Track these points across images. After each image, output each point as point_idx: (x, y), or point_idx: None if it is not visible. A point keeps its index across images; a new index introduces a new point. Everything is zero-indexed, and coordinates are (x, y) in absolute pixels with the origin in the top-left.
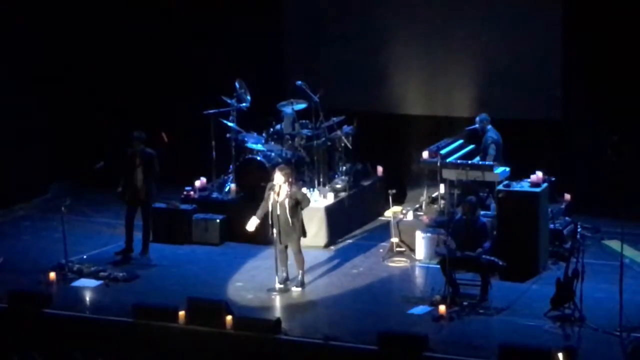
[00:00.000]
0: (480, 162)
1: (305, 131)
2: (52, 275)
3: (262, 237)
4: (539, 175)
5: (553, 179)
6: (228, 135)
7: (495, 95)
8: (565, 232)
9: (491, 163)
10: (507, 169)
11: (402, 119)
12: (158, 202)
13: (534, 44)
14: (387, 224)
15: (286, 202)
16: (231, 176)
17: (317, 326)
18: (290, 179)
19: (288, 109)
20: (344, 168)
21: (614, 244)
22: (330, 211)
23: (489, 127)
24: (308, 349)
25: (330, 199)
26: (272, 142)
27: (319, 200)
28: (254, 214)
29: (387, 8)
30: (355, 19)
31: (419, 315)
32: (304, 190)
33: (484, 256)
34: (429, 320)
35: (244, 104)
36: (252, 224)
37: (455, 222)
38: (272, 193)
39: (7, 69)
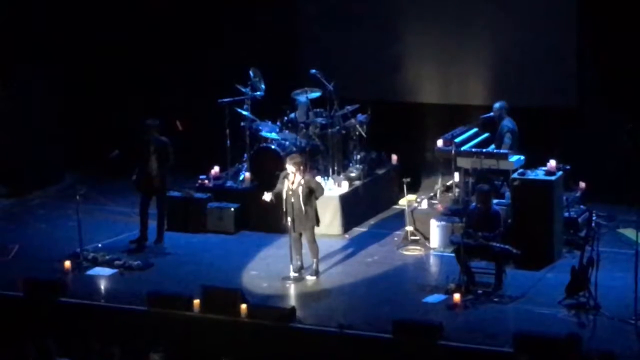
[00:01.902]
0: (495, 151)
1: (319, 120)
2: (67, 263)
3: (276, 226)
4: (551, 163)
5: (568, 167)
6: (242, 123)
7: (510, 83)
8: (580, 220)
9: (506, 151)
10: (522, 157)
11: (417, 107)
12: (173, 190)
13: (549, 31)
14: (401, 212)
15: (300, 190)
16: (245, 165)
17: (331, 315)
18: (302, 168)
19: (302, 98)
20: (359, 156)
21: (629, 232)
22: (344, 200)
23: (506, 115)
24: (323, 338)
25: (344, 187)
26: (287, 131)
27: (334, 188)
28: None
29: None
30: (369, 7)
31: (433, 303)
32: (319, 178)
33: (497, 244)
34: (443, 309)
35: (258, 93)
36: (267, 196)
37: (469, 211)
38: (286, 181)
39: (23, 57)
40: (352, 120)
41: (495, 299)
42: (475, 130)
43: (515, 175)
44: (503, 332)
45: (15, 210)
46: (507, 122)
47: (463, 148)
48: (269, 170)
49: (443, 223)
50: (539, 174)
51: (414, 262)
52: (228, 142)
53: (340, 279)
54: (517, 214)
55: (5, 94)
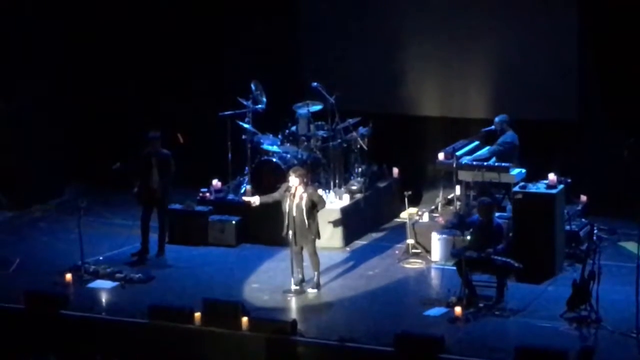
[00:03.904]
0: (496, 164)
1: (321, 133)
2: (69, 276)
3: (278, 239)
4: (550, 177)
5: (569, 180)
6: (244, 136)
7: (511, 96)
8: (581, 233)
9: (507, 165)
10: (523, 170)
11: (418, 120)
12: (174, 203)
13: (550, 44)
14: (402, 225)
15: (302, 203)
16: (247, 178)
17: (332, 327)
18: (305, 180)
19: (304, 111)
20: (360, 169)
21: (631, 246)
22: (346, 213)
23: (508, 128)
24: (324, 351)
25: (346, 200)
26: (288, 144)
27: (335, 201)
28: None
29: (403, 10)
30: (371, 20)
31: (435, 316)
32: (320, 191)
33: (498, 257)
34: (445, 322)
35: (259, 106)
36: (254, 199)
37: (470, 222)
38: (287, 194)
39: (24, 70)
40: (354, 133)
41: (497, 312)
42: (476, 143)
43: (516, 188)
44: (504, 346)
45: (17, 223)
46: (508, 136)
47: (464, 161)
48: (270, 183)
49: (444, 236)
50: (540, 187)
51: (415, 275)
52: (229, 155)
53: (342, 292)
54: (519, 228)
55: (7, 107)
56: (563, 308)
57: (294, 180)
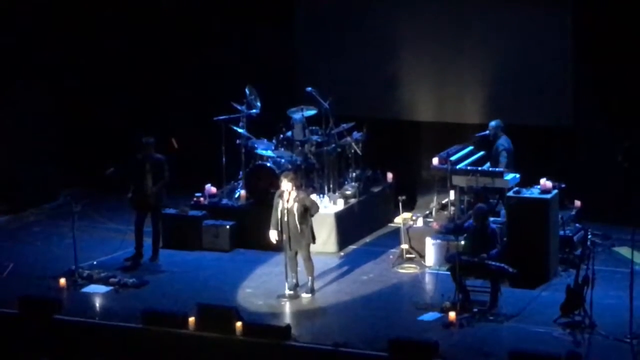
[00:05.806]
0: (490, 169)
1: (315, 137)
2: (62, 281)
3: (272, 243)
4: (542, 182)
5: (563, 185)
6: (238, 141)
7: (506, 101)
8: (575, 238)
9: (502, 170)
10: (517, 175)
11: (412, 125)
12: (168, 208)
13: (545, 50)
14: (397, 230)
15: (295, 208)
16: (241, 182)
17: (327, 332)
18: (297, 184)
19: (298, 116)
20: (354, 174)
21: (625, 251)
22: (340, 217)
23: (502, 134)
24: (318, 356)
25: (340, 205)
26: (282, 149)
27: (329, 206)
28: (266, 224)
29: (398, 15)
30: (365, 25)
31: (429, 321)
32: (314, 196)
33: (492, 262)
34: (439, 327)
35: (254, 111)
36: (273, 236)
37: (465, 227)
38: (280, 200)
39: (20, 76)
40: (348, 138)
41: (491, 317)
42: (470, 148)
43: (510, 193)
44: (498, 351)
45: (11, 227)
46: (503, 141)
47: (458, 166)
48: (264, 188)
49: (438, 241)
50: (534, 192)
51: (409, 280)
52: (224, 159)
53: (336, 297)
54: (513, 233)
55: (2, 111)
56: (557, 313)
57: (286, 185)
